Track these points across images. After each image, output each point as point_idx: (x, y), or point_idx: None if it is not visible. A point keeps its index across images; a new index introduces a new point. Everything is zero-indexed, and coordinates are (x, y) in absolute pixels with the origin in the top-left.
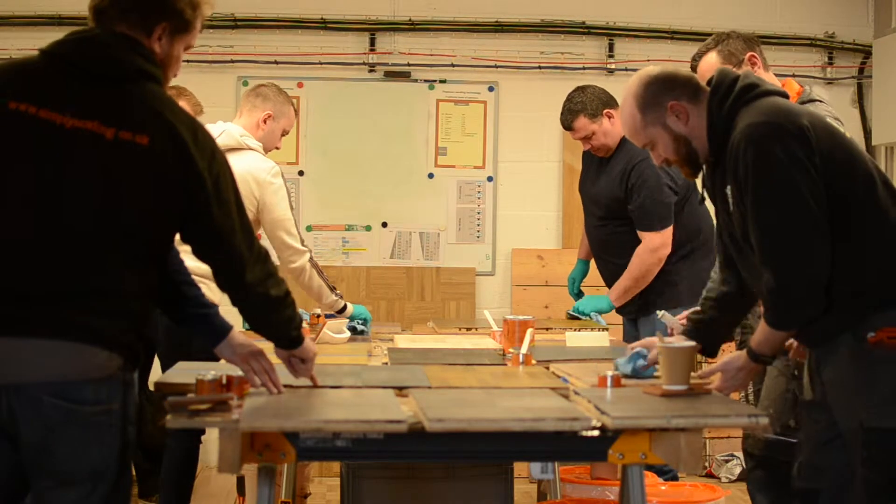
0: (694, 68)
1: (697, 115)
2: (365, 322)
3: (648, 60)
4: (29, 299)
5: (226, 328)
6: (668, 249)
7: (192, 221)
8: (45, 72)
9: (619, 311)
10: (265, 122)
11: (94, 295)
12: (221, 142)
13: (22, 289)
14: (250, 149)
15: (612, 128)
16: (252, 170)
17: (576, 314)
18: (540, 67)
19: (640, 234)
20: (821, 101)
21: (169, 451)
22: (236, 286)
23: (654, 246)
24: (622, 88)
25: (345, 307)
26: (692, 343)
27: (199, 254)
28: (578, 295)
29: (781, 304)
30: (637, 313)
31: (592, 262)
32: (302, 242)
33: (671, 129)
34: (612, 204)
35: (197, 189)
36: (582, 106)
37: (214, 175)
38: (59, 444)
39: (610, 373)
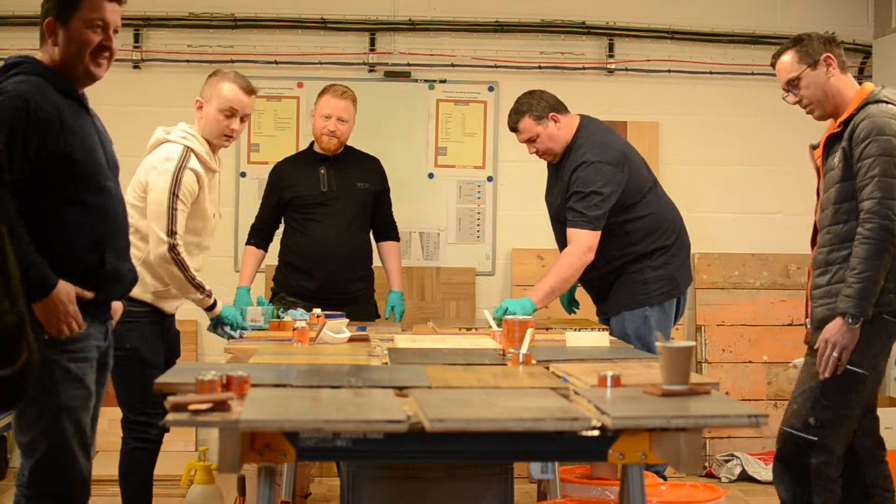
0: (773, 65)
1: (840, 81)
2: (234, 327)
3: (648, 60)
4: None
5: (50, 284)
6: (593, 255)
7: None
8: None
9: (597, 314)
10: (199, 111)
11: None
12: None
13: None
14: (168, 141)
15: (558, 132)
16: (154, 157)
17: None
18: (540, 67)
19: (571, 232)
20: (886, 102)
21: (125, 461)
22: None
23: (586, 246)
24: (622, 88)
25: (214, 305)
26: (692, 343)
27: None
28: (571, 303)
29: None
30: (609, 313)
31: None
32: (169, 233)
33: (820, 76)
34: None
35: None
36: (528, 107)
37: None
38: None
39: (610, 373)
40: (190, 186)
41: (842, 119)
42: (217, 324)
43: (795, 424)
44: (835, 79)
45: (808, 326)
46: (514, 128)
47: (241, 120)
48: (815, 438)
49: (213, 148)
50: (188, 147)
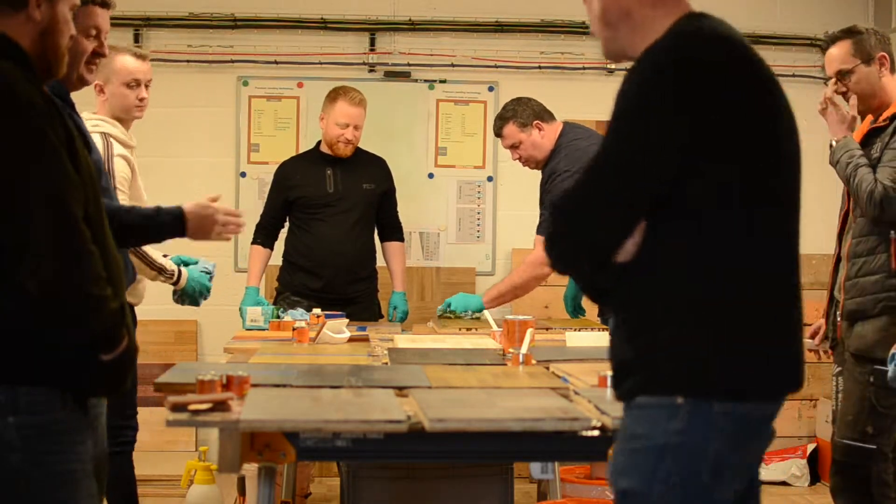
0: (824, 50)
1: (891, 82)
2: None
3: None
4: None
5: (177, 212)
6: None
7: None
8: None
9: (598, 314)
10: (101, 94)
11: None
12: None
13: None
14: None
15: (542, 140)
16: None
17: (446, 313)
18: (540, 67)
19: (535, 239)
20: None
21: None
22: None
23: (543, 255)
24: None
25: (178, 278)
26: None
27: None
28: (576, 309)
29: None
30: (607, 314)
31: None
32: None
33: (873, 74)
34: None
35: None
36: (513, 113)
37: None
38: None
39: (610, 373)
40: (123, 173)
41: (888, 114)
42: (183, 294)
43: (853, 435)
44: (886, 78)
45: (839, 320)
46: (498, 133)
47: (146, 87)
48: (874, 447)
49: (126, 124)
50: (105, 134)
